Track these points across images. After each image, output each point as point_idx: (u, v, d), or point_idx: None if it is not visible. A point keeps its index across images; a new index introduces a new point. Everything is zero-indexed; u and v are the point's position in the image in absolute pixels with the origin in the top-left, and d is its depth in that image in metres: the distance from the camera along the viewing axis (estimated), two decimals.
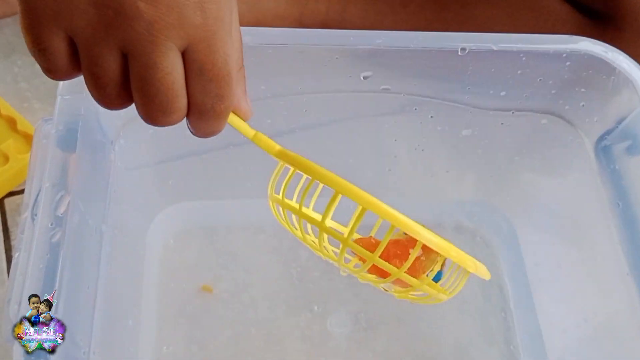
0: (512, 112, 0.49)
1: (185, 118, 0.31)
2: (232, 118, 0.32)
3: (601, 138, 0.47)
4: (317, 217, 0.33)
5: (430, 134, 0.51)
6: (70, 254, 0.34)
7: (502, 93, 0.47)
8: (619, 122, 0.45)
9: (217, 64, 0.30)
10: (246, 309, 0.56)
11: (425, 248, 0.32)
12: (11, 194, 0.60)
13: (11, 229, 0.59)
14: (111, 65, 0.29)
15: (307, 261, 0.60)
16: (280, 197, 0.33)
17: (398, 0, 0.67)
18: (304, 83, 0.45)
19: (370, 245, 0.33)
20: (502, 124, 0.50)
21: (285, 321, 0.56)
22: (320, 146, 0.51)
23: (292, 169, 0.32)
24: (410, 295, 0.35)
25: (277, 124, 0.48)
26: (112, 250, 0.42)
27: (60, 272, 0.33)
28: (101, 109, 0.34)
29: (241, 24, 0.33)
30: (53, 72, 0.30)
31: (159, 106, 0.29)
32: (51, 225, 0.34)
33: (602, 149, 0.47)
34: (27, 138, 0.62)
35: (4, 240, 0.58)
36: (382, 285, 0.34)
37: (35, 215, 0.35)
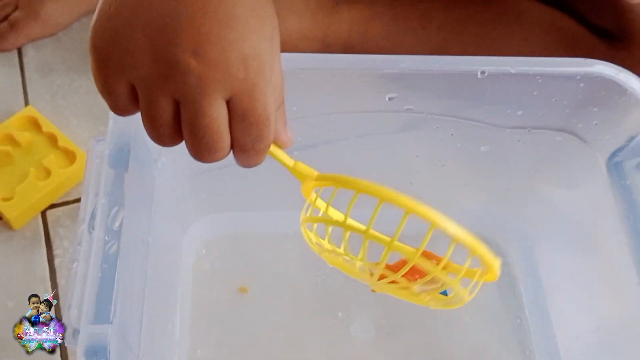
0: (529, 130, 0.52)
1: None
2: (273, 150, 0.36)
3: (613, 155, 0.50)
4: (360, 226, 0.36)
5: (450, 150, 0.54)
6: (124, 264, 0.37)
7: (519, 112, 0.50)
8: (630, 140, 0.48)
9: (257, 110, 0.33)
10: (273, 314, 0.59)
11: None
12: (52, 206, 0.64)
13: (53, 239, 0.62)
14: (165, 109, 0.33)
15: (331, 269, 0.63)
16: (320, 216, 0.37)
17: (417, 21, 0.70)
18: (334, 104, 0.48)
19: (398, 265, 0.36)
20: (518, 141, 0.53)
21: (311, 326, 0.59)
22: (346, 161, 0.54)
23: (334, 187, 0.35)
24: (433, 299, 0.38)
25: (306, 141, 0.51)
26: (154, 260, 0.46)
27: (116, 281, 0.36)
28: None
29: None
30: (117, 110, 0.34)
31: (206, 146, 0.33)
32: (107, 237, 0.38)
33: (614, 165, 0.50)
34: (67, 153, 0.65)
35: (47, 250, 0.62)
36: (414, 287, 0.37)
37: (93, 229, 0.38)
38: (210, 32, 0.31)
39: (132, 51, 0.32)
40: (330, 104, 0.49)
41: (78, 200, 0.65)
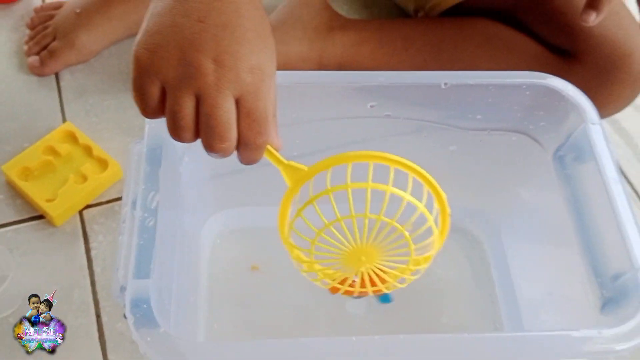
0: (488, 132, 0.62)
1: (235, 152, 0.44)
2: (268, 151, 0.45)
3: (557, 150, 0.59)
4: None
5: (423, 150, 0.63)
6: (160, 236, 0.47)
7: (478, 117, 0.61)
8: (569, 136, 0.58)
9: (259, 109, 0.42)
10: (280, 295, 0.69)
11: None
12: (88, 206, 0.74)
13: (89, 234, 0.73)
14: (187, 104, 0.42)
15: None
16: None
17: (400, 44, 0.80)
18: (325, 112, 0.59)
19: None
20: (480, 141, 0.63)
21: (313, 305, 0.69)
22: None
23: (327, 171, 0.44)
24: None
25: (304, 143, 0.62)
26: (180, 241, 0.56)
27: (155, 248, 0.46)
28: None
29: None
30: (146, 111, 0.43)
31: (217, 135, 0.42)
32: (146, 215, 0.48)
33: (558, 158, 0.59)
34: (101, 161, 0.76)
35: (84, 243, 0.72)
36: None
37: (134, 209, 0.49)
38: (228, 46, 0.41)
39: (166, 58, 0.41)
40: (322, 112, 0.59)
41: (110, 201, 0.75)
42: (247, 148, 0.43)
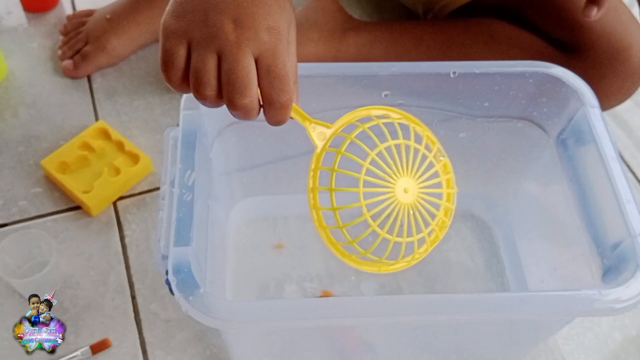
0: (495, 119, 0.67)
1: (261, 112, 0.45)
2: (294, 110, 0.47)
3: (560, 134, 0.64)
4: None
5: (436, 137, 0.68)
6: (197, 210, 0.52)
7: (486, 104, 0.65)
8: (569, 121, 0.62)
9: (277, 66, 0.45)
10: (300, 278, 0.73)
11: None
12: (121, 197, 0.79)
13: (123, 223, 0.78)
14: (210, 61, 0.44)
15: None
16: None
17: (411, 44, 0.85)
18: (343, 100, 0.63)
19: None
20: (488, 128, 0.67)
21: (330, 287, 0.73)
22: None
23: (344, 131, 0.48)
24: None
25: None
26: (211, 219, 0.61)
27: (194, 220, 0.51)
28: (206, 122, 0.53)
29: None
30: (172, 76, 0.45)
31: (238, 89, 0.44)
32: (184, 190, 0.53)
33: (561, 141, 0.63)
34: (132, 156, 0.81)
35: (119, 231, 0.77)
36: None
37: (173, 187, 0.53)
38: (247, 8, 0.45)
39: (192, 21, 0.44)
40: (340, 100, 0.64)
41: (142, 193, 0.80)
42: (272, 107, 0.45)
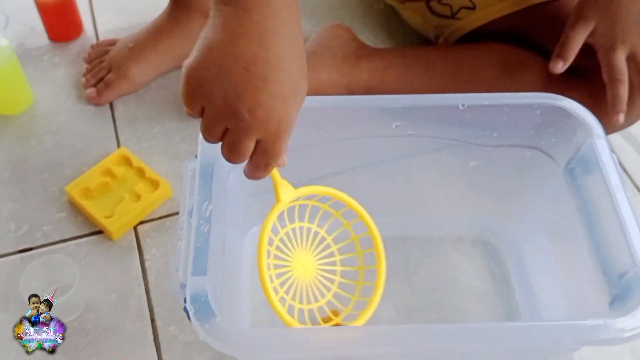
0: (504, 148, 0.68)
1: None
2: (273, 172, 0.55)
3: (568, 163, 0.65)
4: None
5: (446, 166, 0.70)
6: (213, 240, 0.55)
7: (495, 134, 0.67)
8: (577, 151, 0.64)
9: (274, 151, 0.50)
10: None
11: None
12: (142, 222, 0.82)
13: (143, 247, 0.80)
14: (218, 132, 0.50)
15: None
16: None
17: (422, 68, 0.87)
18: (355, 131, 0.66)
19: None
20: (497, 156, 0.69)
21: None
22: (368, 178, 0.71)
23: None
24: None
25: (336, 161, 0.68)
26: (228, 247, 0.63)
27: (210, 250, 0.53)
28: None
29: None
30: (191, 113, 0.51)
31: (234, 157, 0.50)
32: (201, 222, 0.55)
33: (569, 170, 0.65)
34: (152, 182, 0.83)
35: (139, 255, 0.79)
36: None
37: (191, 217, 0.56)
38: (264, 102, 0.47)
39: (210, 94, 0.47)
40: (352, 132, 0.66)
41: (162, 217, 0.82)
42: (255, 170, 0.52)
